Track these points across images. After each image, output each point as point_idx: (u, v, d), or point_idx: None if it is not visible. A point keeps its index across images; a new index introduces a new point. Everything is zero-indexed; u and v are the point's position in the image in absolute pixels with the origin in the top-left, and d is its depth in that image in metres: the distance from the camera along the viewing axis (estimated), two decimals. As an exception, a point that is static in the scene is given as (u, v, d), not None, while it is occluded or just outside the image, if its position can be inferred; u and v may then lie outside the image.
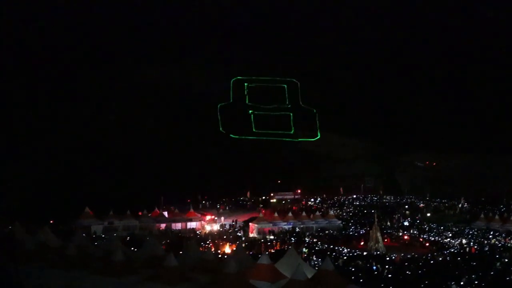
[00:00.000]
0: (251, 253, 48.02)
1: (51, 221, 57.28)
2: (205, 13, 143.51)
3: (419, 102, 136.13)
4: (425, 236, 65.30)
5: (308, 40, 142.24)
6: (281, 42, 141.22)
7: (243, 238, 62.52)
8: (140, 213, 70.80)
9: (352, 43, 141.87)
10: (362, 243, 60.48)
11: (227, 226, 71.38)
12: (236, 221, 73.93)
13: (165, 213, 73.35)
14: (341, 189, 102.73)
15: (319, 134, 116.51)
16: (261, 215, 70.15)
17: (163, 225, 69.38)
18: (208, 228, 70.17)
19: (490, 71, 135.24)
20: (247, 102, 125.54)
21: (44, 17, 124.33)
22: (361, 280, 38.12)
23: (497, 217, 74.46)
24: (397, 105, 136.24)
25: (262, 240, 60.48)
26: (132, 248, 44.84)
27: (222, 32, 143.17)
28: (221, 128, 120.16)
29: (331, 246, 56.09)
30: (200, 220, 72.25)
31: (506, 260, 49.06)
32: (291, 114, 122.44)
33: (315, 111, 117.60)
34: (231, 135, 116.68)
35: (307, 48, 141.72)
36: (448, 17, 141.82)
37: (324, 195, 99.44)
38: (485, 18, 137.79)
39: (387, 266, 44.75)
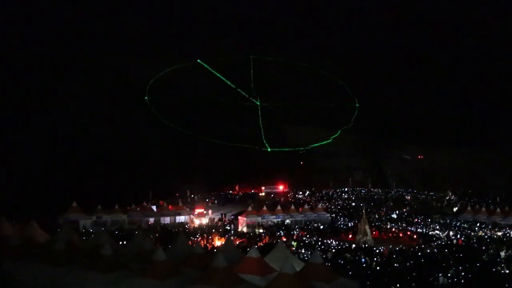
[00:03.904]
0: (240, 246, 48.00)
1: (38, 216, 56.57)
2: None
3: (407, 97, 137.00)
4: (412, 229, 65.79)
5: (296, 31, 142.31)
6: (268, 33, 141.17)
7: (232, 231, 62.57)
8: (128, 208, 70.40)
9: (338, 36, 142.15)
10: (350, 236, 60.86)
11: (216, 220, 71.35)
12: (225, 215, 74.00)
13: (154, 207, 73.11)
14: (330, 182, 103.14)
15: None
16: (250, 208, 70.20)
17: (151, 219, 69.15)
18: (197, 222, 70.10)
19: (476, 69, 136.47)
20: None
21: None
22: (349, 273, 38.25)
23: (483, 209, 75.36)
24: (385, 99, 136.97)
25: (251, 234, 60.55)
26: (121, 243, 44.63)
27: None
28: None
29: (320, 239, 56.33)
30: (189, 214, 72.15)
31: (492, 251, 49.62)
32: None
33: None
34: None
35: (297, 39, 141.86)
36: (431, 14, 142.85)
37: (313, 189, 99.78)
38: (463, 19, 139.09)
39: (375, 259, 45.02)
